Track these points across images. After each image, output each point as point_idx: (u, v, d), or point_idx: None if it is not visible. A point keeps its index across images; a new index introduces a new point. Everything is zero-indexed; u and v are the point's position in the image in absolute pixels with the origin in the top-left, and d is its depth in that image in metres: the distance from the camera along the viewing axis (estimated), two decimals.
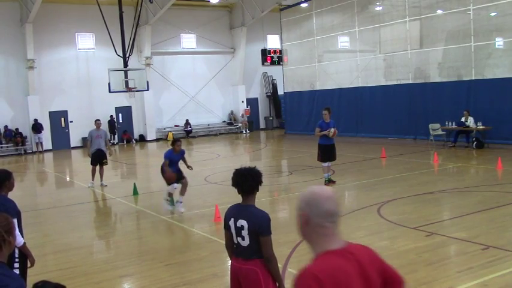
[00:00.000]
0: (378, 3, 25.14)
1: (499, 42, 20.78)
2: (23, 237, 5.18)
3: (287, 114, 31.69)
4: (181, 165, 10.94)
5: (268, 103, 36.35)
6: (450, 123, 19.71)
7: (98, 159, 14.78)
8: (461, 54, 20.99)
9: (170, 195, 10.93)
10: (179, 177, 10.82)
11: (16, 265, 4.97)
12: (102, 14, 24.26)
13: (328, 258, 2.25)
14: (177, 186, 10.83)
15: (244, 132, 33.52)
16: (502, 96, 19.01)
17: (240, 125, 34.20)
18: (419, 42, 23.22)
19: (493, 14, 20.28)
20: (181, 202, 10.84)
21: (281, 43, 32.17)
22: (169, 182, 10.80)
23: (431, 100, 21.66)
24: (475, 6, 19.92)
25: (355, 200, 11.93)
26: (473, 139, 18.85)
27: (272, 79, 35.58)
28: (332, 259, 2.24)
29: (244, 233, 3.96)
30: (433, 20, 22.45)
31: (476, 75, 20.28)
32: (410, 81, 23.07)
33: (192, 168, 10.94)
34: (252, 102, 35.38)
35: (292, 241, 8.07)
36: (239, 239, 4.01)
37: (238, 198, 4.16)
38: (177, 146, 10.61)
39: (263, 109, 36.44)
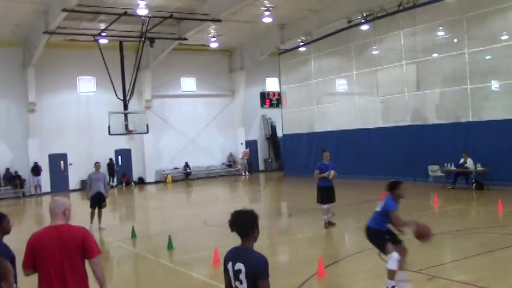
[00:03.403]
0: (374, 47, 25.61)
1: (495, 84, 21.05)
2: (16, 282, 5.09)
3: (286, 156, 31.75)
4: None
5: (268, 145, 36.47)
6: (449, 165, 19.73)
7: (97, 202, 14.72)
8: (458, 97, 21.22)
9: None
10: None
11: None
12: (103, 59, 24.69)
13: (42, 229, 4.71)
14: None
15: (244, 174, 33.46)
16: (500, 137, 19.09)
17: (239, 167, 34.19)
18: (416, 84, 23.52)
19: (488, 57, 20.63)
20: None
21: (280, 86, 32.60)
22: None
23: (429, 142, 21.74)
24: (470, 49, 20.29)
25: (356, 242, 11.79)
26: (473, 180, 18.82)
27: (271, 121, 35.83)
28: (42, 230, 4.70)
29: (242, 276, 3.89)
30: (429, 63, 22.81)
31: (474, 117, 20.44)
32: (409, 123, 23.23)
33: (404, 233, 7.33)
34: (251, 145, 35.49)
35: (292, 285, 7.95)
36: (237, 283, 3.94)
37: (238, 241, 4.12)
38: (402, 190, 7.27)
39: (262, 151, 36.52)
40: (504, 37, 20.08)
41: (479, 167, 18.70)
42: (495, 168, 18.56)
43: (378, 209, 7.42)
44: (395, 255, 7.00)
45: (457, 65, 21.20)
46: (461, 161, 19.17)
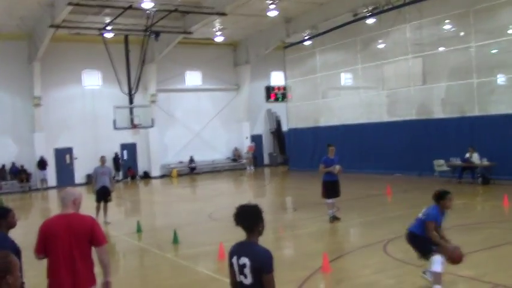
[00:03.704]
0: (380, 41, 25.48)
1: (502, 78, 20.91)
2: (22, 276, 5.11)
3: (291, 151, 31.73)
4: None
5: (273, 139, 36.44)
6: (455, 159, 19.64)
7: (103, 196, 14.75)
8: (464, 91, 21.10)
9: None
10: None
11: None
12: (108, 53, 24.71)
13: (53, 217, 5.04)
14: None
15: (249, 168, 33.46)
16: (506, 132, 18.98)
17: (244, 161, 34.19)
18: (422, 78, 23.41)
19: (494, 51, 20.49)
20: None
21: (285, 80, 32.53)
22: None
23: (435, 136, 21.65)
24: (477, 43, 20.14)
25: (361, 237, 11.80)
26: (479, 175, 18.74)
27: (276, 115, 35.78)
28: (53, 217, 5.03)
29: (247, 271, 3.90)
30: (435, 57, 22.67)
31: (480, 111, 20.33)
32: (414, 118, 23.14)
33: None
34: (256, 139, 35.47)
35: (297, 280, 7.95)
36: (242, 277, 3.94)
37: (242, 236, 4.11)
38: (449, 201, 7.07)
39: (267, 145, 36.50)
40: (511, 31, 19.92)
41: (485, 162, 18.61)
42: (501, 162, 18.45)
43: (420, 215, 7.21)
44: (438, 257, 6.76)
45: (463, 59, 21.06)
46: (467, 155, 19.08)
